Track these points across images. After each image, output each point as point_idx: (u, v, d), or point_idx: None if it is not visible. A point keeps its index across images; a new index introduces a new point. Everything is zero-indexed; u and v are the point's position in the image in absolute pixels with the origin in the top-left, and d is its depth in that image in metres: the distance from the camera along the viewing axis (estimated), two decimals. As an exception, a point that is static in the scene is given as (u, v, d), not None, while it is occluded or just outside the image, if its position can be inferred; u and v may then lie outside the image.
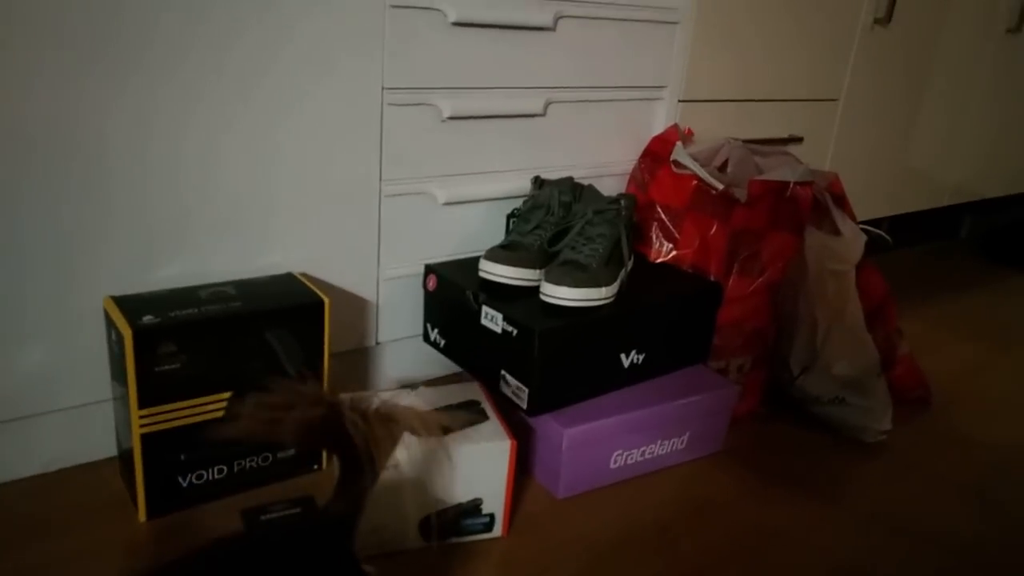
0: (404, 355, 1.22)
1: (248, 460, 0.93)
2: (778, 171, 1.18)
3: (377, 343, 1.18)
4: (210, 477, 0.90)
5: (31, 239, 0.84)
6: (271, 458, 0.95)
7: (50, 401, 0.90)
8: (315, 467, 1.00)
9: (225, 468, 0.91)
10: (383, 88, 1.05)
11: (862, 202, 1.83)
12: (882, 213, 1.97)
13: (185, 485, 0.89)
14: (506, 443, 0.88)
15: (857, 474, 1.14)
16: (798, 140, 1.66)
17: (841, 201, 1.21)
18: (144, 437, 0.84)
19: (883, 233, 1.44)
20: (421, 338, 1.21)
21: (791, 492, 1.07)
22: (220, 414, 0.88)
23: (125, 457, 0.90)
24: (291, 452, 0.96)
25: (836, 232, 1.18)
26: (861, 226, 1.21)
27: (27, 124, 0.81)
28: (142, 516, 0.87)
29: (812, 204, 1.16)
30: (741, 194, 1.19)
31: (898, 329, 1.34)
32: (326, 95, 1.00)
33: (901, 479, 1.13)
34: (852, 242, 1.15)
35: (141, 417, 0.83)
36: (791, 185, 1.15)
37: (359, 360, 1.19)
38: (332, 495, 0.64)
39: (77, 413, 0.94)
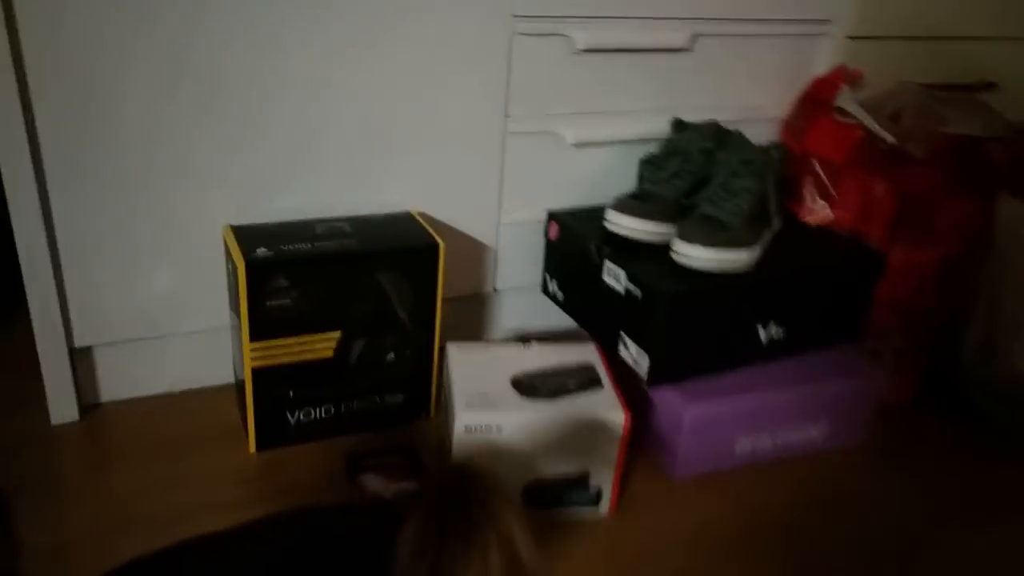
0: (522, 304, 1.17)
1: (356, 402, 0.91)
2: (966, 123, 1.00)
3: (495, 290, 1.13)
4: (318, 416, 0.90)
5: (161, 164, 0.84)
6: (379, 401, 0.93)
7: (177, 323, 0.92)
8: (423, 414, 0.97)
9: (333, 408, 0.90)
10: (513, 15, 0.96)
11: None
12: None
13: (293, 422, 0.88)
14: (620, 415, 0.81)
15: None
16: (990, 87, 1.43)
17: (1045, 163, 1.02)
18: (255, 371, 0.83)
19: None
20: (540, 288, 1.14)
21: (943, 500, 0.94)
22: (329, 353, 0.86)
23: (240, 387, 0.90)
24: (400, 398, 0.94)
25: (1035, 200, 1.00)
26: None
27: (160, 52, 0.80)
28: (252, 448, 0.88)
29: (1009, 165, 0.98)
30: (917, 149, 1.02)
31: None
32: (452, 21, 0.92)
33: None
34: (1055, 214, 0.97)
35: (252, 351, 0.82)
36: (982, 141, 0.98)
37: (476, 306, 1.14)
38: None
39: (201, 338, 0.96)
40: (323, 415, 0.90)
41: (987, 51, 1.41)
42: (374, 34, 0.89)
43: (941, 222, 1.01)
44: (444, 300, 1.07)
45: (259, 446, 0.88)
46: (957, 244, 1.01)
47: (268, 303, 0.81)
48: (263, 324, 0.82)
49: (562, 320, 1.18)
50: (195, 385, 0.98)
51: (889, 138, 1.04)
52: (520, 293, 1.16)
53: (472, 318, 1.15)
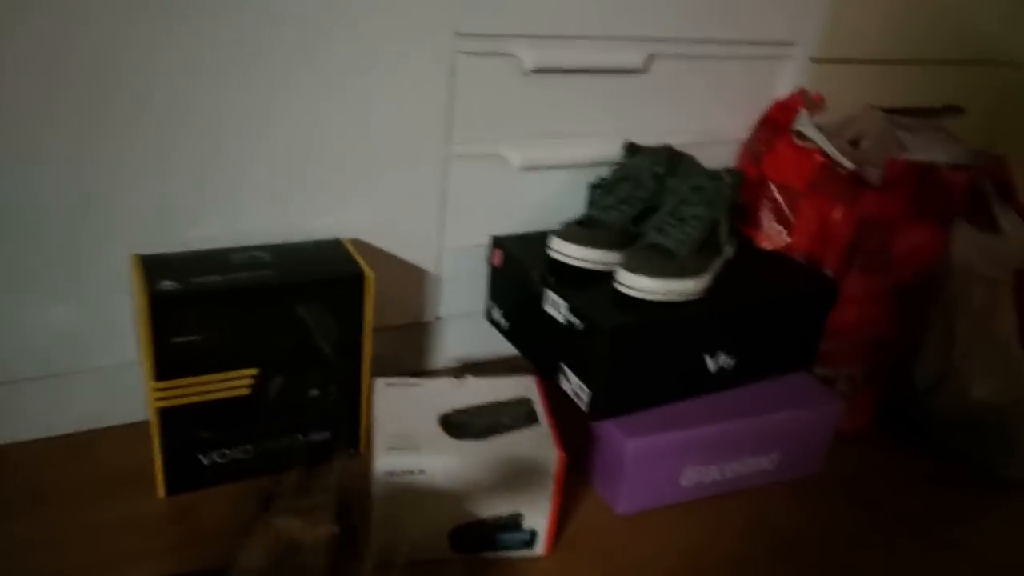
0: (466, 332, 1.12)
1: (277, 440, 0.85)
2: (926, 150, 0.96)
3: (438, 318, 1.07)
4: (235, 457, 0.84)
5: (61, 187, 0.78)
6: (303, 439, 0.87)
7: (81, 360, 0.86)
8: (351, 450, 0.91)
9: (252, 448, 0.84)
10: (456, 33, 0.92)
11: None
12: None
13: (207, 463, 0.82)
14: (553, 454, 0.76)
15: (989, 519, 0.94)
16: (957, 111, 1.40)
17: (1007, 191, 0.99)
18: (162, 412, 0.78)
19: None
20: (484, 316, 1.09)
21: (900, 533, 0.89)
22: (245, 391, 0.81)
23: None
24: (326, 435, 0.88)
25: (995, 229, 0.96)
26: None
27: (68, 64, 0.74)
28: (161, 492, 0.82)
29: (967, 193, 0.94)
30: (875, 175, 0.98)
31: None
32: (389, 38, 0.88)
33: (1048, 536, 0.92)
34: (1014, 244, 0.93)
35: (157, 390, 0.76)
36: (941, 168, 0.94)
37: (417, 334, 1.09)
38: None
39: (112, 373, 0.89)
40: (241, 456, 0.84)
41: (954, 75, 1.39)
42: (304, 54, 0.84)
43: (898, 249, 0.97)
44: (378, 330, 1.02)
45: (170, 491, 0.82)
46: (913, 272, 0.97)
47: (174, 339, 0.75)
48: (170, 362, 0.76)
49: (509, 348, 1.13)
50: (104, 424, 0.91)
51: (847, 163, 1.00)
52: (465, 320, 1.11)
53: (414, 347, 1.10)
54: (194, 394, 0.78)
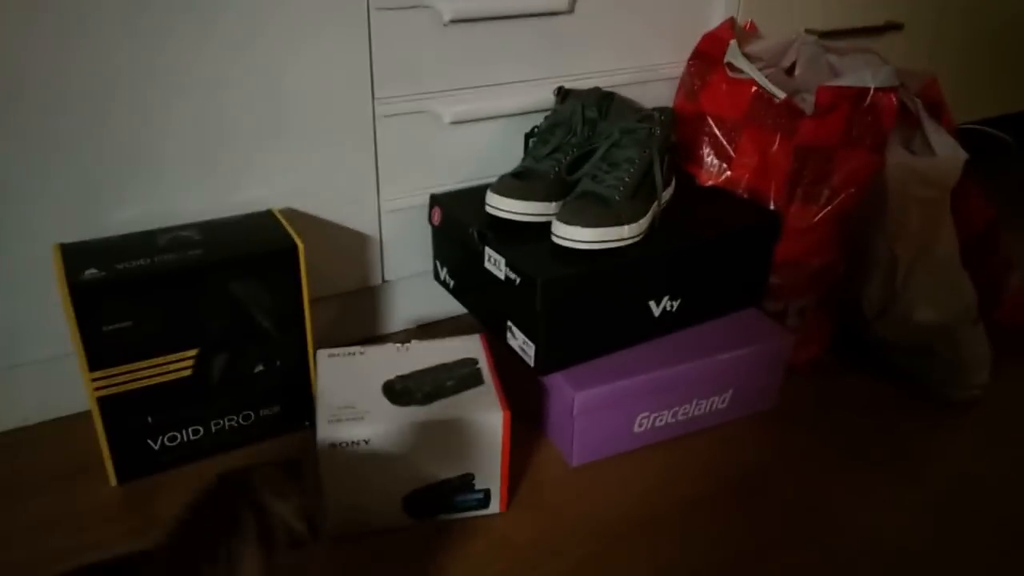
0: (417, 293, 1.11)
1: (227, 419, 0.85)
2: (855, 74, 0.95)
3: (384, 281, 1.07)
4: (185, 439, 0.83)
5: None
6: (253, 416, 0.87)
7: (15, 353, 0.85)
8: (306, 423, 0.91)
9: (201, 428, 0.84)
10: (369, -12, 0.89)
11: (979, 97, 1.54)
12: (1003, 110, 1.66)
13: (157, 447, 0.82)
14: (499, 415, 0.76)
15: (938, 440, 0.96)
16: (897, 27, 1.38)
17: (938, 110, 0.98)
18: (102, 401, 0.77)
19: (1002, 134, 1.18)
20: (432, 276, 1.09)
21: (853, 460, 0.92)
22: (187, 372, 0.80)
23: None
24: (276, 409, 0.88)
25: (929, 150, 0.96)
26: (976, 127, 0.97)
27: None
28: (112, 480, 0.82)
29: (897, 115, 0.93)
30: (809, 103, 0.98)
31: (1006, 260, 1.11)
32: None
33: (994, 446, 0.95)
34: (947, 163, 0.93)
35: (94, 380, 0.76)
36: (871, 91, 0.93)
37: (366, 299, 1.08)
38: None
39: (56, 364, 0.88)
40: (191, 437, 0.84)
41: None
42: (226, 18, 0.81)
43: (836, 177, 0.97)
44: (325, 299, 1.01)
45: (121, 478, 0.82)
46: (853, 198, 0.97)
47: (105, 328, 0.74)
48: (103, 351, 0.75)
49: (461, 307, 1.13)
50: (53, 415, 0.91)
51: (780, 94, 0.99)
52: (416, 281, 1.10)
53: (365, 313, 1.09)
54: (134, 380, 0.78)
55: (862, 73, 0.94)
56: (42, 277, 0.82)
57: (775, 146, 1.01)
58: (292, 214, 0.94)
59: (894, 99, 0.92)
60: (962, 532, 0.82)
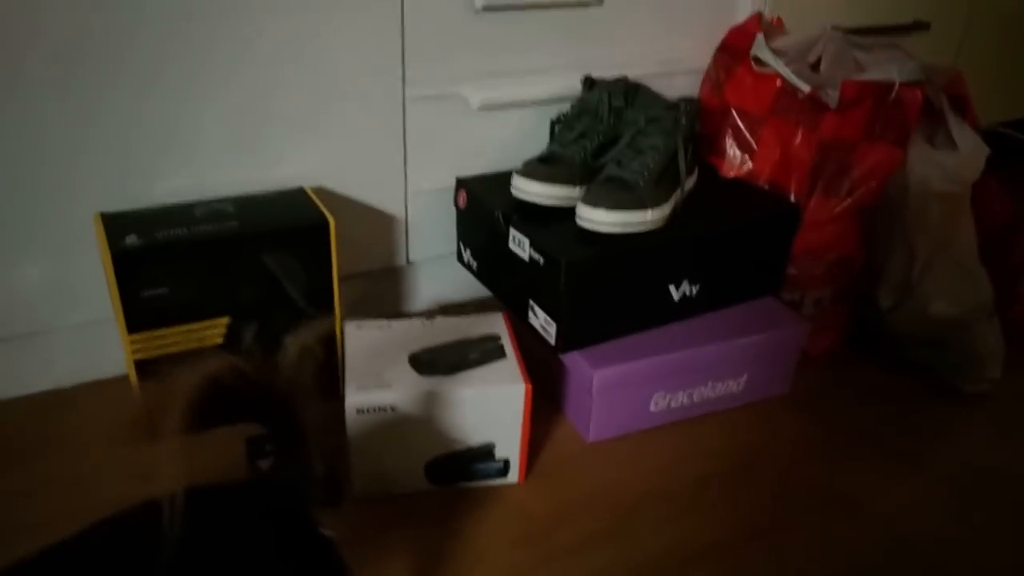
0: (439, 275, 1.14)
1: (256, 387, 0.88)
2: (880, 69, 0.96)
3: (409, 262, 1.09)
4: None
5: (16, 150, 0.79)
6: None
7: (57, 318, 0.88)
8: (331, 395, 0.94)
9: (231, 395, 0.87)
10: (404, -27, 0.91)
11: (1006, 100, 1.54)
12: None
13: (189, 411, 0.85)
14: (520, 387, 0.79)
15: (949, 430, 0.97)
16: (924, 26, 1.39)
17: (962, 106, 0.99)
18: (138, 364, 0.80)
19: None
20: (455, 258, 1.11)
21: (863, 448, 0.93)
22: (219, 339, 0.83)
23: (133, 379, 0.87)
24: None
25: (951, 145, 0.97)
26: (1001, 129, 0.98)
27: (34, 23, 0.74)
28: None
29: (922, 110, 0.95)
30: (833, 97, 0.99)
31: (1022, 261, 1.12)
32: (335, -17, 0.87)
33: (1005, 438, 0.96)
34: (969, 158, 0.94)
35: (132, 343, 0.79)
36: (896, 86, 0.94)
37: (390, 279, 1.11)
38: (273, 464, 0.57)
39: (92, 328, 0.92)
40: (221, 403, 0.86)
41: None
42: (264, 5, 0.83)
43: (857, 170, 0.98)
44: (351, 277, 1.04)
45: (154, 439, 0.85)
46: (873, 192, 0.98)
47: (144, 293, 0.77)
48: (141, 315, 0.78)
49: (483, 289, 1.15)
50: (89, 378, 0.94)
51: (805, 87, 1.00)
52: (440, 263, 1.13)
53: (389, 292, 1.12)
54: (169, 344, 0.80)
55: (887, 68, 0.95)
56: (79, 245, 0.85)
57: (797, 140, 1.02)
58: (322, 192, 0.97)
59: (920, 94, 0.93)
60: (972, 518, 0.83)
